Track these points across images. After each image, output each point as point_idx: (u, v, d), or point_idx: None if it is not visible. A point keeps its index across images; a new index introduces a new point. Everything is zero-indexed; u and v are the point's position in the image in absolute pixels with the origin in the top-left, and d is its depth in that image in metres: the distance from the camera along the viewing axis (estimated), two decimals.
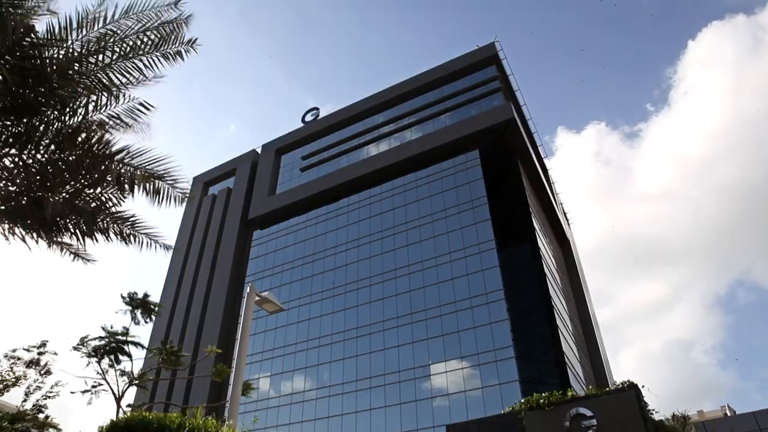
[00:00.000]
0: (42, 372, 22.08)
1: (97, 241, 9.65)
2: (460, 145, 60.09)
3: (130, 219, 9.93)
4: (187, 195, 9.66)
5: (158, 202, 9.33)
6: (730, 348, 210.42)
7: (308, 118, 78.95)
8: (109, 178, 8.92)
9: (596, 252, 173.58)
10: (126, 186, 9.06)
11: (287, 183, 73.78)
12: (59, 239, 9.62)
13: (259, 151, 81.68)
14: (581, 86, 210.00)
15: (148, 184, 9.20)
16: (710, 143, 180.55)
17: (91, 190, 9.31)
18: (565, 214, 78.24)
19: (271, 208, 71.23)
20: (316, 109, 79.52)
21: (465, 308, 49.80)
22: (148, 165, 9.18)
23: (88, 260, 10.39)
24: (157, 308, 24.45)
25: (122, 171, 8.96)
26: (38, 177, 8.83)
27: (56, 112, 8.41)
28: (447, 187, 58.83)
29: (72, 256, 10.13)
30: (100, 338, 22.74)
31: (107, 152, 8.79)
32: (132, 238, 10.08)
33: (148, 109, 9.09)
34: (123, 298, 23.60)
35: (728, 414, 50.94)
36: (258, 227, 72.53)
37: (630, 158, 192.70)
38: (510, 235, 54.09)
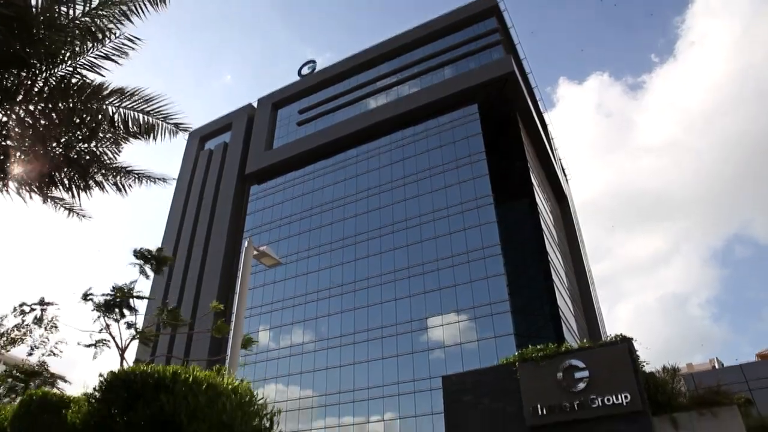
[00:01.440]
0: (48, 327, 22.54)
1: (92, 194, 9.59)
2: (459, 99, 59.36)
3: (126, 168, 9.82)
4: (182, 128, 9.48)
5: (153, 138, 9.26)
6: (724, 302, 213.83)
7: (305, 71, 77.57)
8: (103, 119, 8.80)
9: (596, 205, 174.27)
10: (121, 127, 8.97)
11: (284, 137, 73.18)
12: (53, 194, 9.55)
13: (255, 105, 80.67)
14: (585, 35, 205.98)
15: (142, 121, 9.11)
16: (714, 95, 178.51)
17: (86, 144, 9.20)
18: (563, 170, 78.11)
19: (269, 163, 70.88)
20: (313, 62, 78.04)
21: (462, 263, 50.27)
22: (141, 105, 9.05)
23: (83, 216, 10.33)
24: (168, 259, 25.40)
25: (115, 113, 8.83)
26: (31, 131, 8.70)
27: (45, 64, 8.21)
28: (445, 142, 58.44)
29: (67, 211, 10.07)
30: (106, 294, 23.16)
31: (99, 96, 8.63)
32: (128, 188, 10.00)
33: (134, 43, 8.83)
34: (135, 253, 24.31)
35: (716, 367, 52.16)
36: (255, 182, 72.35)
37: (632, 110, 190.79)
38: (508, 190, 54.12)
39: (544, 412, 18.91)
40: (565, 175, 78.17)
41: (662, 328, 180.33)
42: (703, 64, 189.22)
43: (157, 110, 9.14)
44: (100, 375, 7.15)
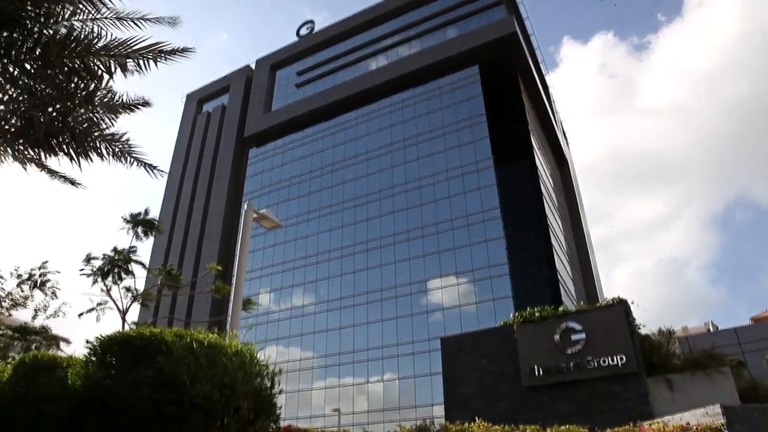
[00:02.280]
0: (49, 293, 22.83)
1: (92, 160, 9.50)
2: (460, 60, 58.54)
3: (123, 139, 9.71)
4: (186, 51, 9.12)
5: (155, 63, 8.92)
6: (722, 266, 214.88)
7: (303, 31, 76.25)
8: (100, 80, 8.68)
9: (597, 167, 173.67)
10: (119, 70, 8.76)
11: (283, 99, 72.43)
12: (49, 165, 9.48)
13: (253, 66, 79.55)
14: None
15: (143, 63, 8.88)
16: (720, 56, 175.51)
17: (82, 109, 9.08)
18: (564, 133, 77.58)
19: (268, 125, 70.35)
20: (311, 22, 76.70)
21: (461, 225, 50.43)
22: (140, 47, 8.80)
23: (77, 184, 10.23)
24: (157, 224, 25.77)
25: (110, 61, 8.66)
26: (27, 95, 8.58)
27: (39, 25, 8.04)
28: (446, 104, 57.90)
29: (61, 179, 9.97)
30: (103, 257, 23.42)
31: (94, 48, 8.45)
32: (127, 156, 9.90)
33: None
34: (124, 218, 24.72)
35: (711, 330, 52.91)
36: (254, 144, 71.93)
37: (636, 71, 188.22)
38: (508, 153, 53.83)
39: (541, 373, 19.26)
40: (565, 138, 77.70)
41: (660, 292, 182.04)
42: (710, 24, 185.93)
43: (157, 47, 8.82)
44: (99, 336, 7.15)
